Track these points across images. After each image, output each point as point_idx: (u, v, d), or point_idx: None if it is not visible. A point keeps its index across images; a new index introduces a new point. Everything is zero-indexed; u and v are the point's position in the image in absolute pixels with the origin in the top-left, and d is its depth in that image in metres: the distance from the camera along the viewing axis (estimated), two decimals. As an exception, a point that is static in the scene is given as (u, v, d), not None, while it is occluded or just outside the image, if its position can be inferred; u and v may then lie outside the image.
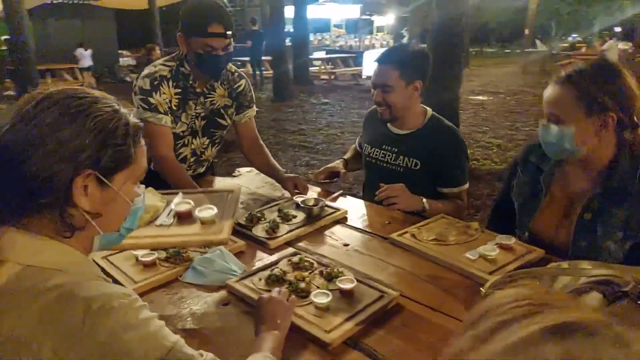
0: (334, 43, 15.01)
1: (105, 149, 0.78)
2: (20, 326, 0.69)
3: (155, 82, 1.85)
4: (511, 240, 1.45)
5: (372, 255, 1.49)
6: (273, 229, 1.58)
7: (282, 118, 8.16)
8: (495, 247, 1.41)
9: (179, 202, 1.48)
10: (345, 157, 2.29)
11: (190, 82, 1.93)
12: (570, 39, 22.26)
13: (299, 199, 1.84)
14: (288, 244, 1.56)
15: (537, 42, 20.20)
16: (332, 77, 11.98)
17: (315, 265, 1.39)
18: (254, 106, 2.17)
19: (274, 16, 10.26)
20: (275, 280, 1.29)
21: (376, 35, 15.57)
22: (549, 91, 1.40)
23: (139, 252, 1.41)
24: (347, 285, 1.22)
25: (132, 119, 0.84)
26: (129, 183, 0.85)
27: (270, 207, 1.82)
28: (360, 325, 1.12)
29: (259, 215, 1.68)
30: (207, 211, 1.45)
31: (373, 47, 14.67)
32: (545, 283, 1.23)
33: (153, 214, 1.46)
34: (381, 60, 1.91)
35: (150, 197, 1.24)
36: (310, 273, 1.34)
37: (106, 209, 0.81)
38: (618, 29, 21.14)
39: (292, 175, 2.03)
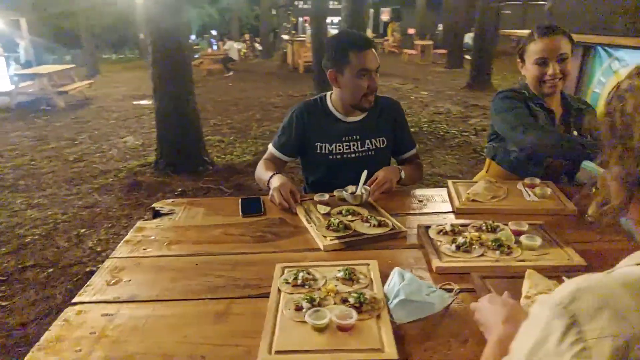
0: None
1: None
2: None
3: None
4: (536, 180, 1.82)
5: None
6: (378, 222, 1.53)
7: None
8: (543, 185, 1.77)
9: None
10: (277, 173, 1.89)
11: None
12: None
13: (322, 197, 1.76)
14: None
15: (153, 46, 20.77)
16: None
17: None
18: None
19: None
20: (499, 245, 1.35)
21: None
22: (550, 40, 1.82)
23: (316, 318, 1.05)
24: (521, 227, 1.44)
25: None
26: None
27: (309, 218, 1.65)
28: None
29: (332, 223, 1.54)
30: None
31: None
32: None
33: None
34: (372, 44, 1.87)
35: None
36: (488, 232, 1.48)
37: None
38: (214, 32, 24.32)
39: None
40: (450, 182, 1.89)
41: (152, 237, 1.58)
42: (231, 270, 1.36)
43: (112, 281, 1.32)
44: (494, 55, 11.02)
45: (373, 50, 1.86)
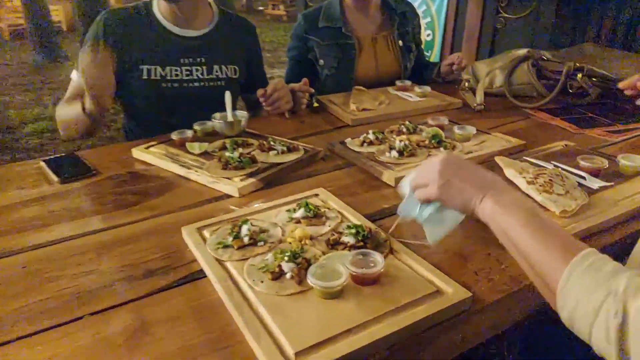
0: None
1: None
2: None
3: None
4: (407, 82, 1.68)
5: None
6: (287, 147, 1.17)
7: None
8: (419, 86, 1.63)
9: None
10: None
11: None
12: None
13: (183, 134, 1.25)
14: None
15: None
16: None
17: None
18: None
19: None
20: (439, 142, 1.17)
21: None
22: None
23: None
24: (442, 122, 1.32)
25: None
26: None
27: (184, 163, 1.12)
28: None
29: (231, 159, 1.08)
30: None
31: None
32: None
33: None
34: None
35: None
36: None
37: None
38: None
39: None
40: (323, 98, 1.59)
41: None
42: (100, 258, 0.78)
43: None
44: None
45: None
